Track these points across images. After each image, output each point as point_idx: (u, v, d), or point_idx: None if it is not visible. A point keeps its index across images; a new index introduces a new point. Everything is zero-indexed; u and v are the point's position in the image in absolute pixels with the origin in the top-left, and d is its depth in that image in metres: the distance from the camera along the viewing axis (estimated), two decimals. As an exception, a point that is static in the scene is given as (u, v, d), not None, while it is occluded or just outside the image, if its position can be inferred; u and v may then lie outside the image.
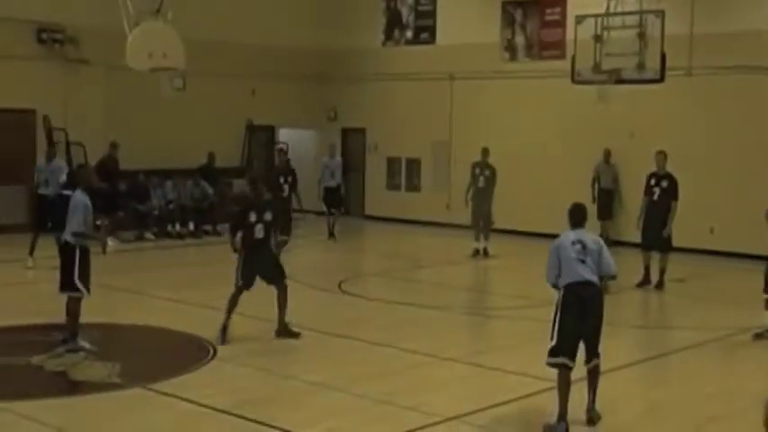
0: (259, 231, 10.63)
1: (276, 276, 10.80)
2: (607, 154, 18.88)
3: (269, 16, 22.34)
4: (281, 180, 16.77)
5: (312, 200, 19.54)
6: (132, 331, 11.22)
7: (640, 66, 16.58)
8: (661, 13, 16.80)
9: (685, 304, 14.02)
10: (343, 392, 8.82)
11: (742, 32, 17.28)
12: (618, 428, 8.05)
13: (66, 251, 9.94)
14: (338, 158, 20.39)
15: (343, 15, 23.74)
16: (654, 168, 14.49)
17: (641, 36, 16.65)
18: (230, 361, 9.80)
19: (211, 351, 10.10)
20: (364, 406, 8.48)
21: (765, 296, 11.05)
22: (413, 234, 21.17)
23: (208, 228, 20.06)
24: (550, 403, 8.42)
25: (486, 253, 17.48)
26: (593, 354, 7.86)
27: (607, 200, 18.73)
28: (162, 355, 10.40)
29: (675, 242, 14.45)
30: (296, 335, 10.82)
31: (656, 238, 14.18)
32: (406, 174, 23.03)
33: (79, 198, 9.96)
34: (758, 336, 11.13)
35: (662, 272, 14.36)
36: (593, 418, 7.90)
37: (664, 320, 13.58)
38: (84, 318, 10.15)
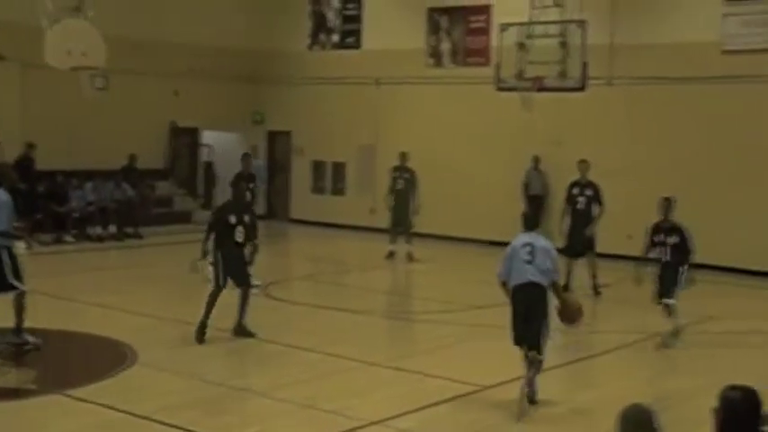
0: (239, 234, 10.72)
1: (245, 278, 10.96)
2: (536, 161, 19.06)
3: (194, 15, 22.08)
4: (246, 185, 16.58)
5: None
6: (51, 336, 10.97)
7: (562, 74, 16.92)
8: (583, 24, 17.17)
9: (609, 308, 14.30)
10: (267, 397, 8.77)
11: (660, 44, 17.71)
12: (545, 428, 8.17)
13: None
14: (259, 161, 20.13)
15: (269, 17, 23.61)
16: (577, 177, 14.73)
17: (563, 45, 16.99)
18: (152, 366, 9.65)
19: (132, 356, 9.93)
20: (288, 411, 8.44)
21: (662, 301, 11.12)
22: (338, 238, 21.16)
23: (129, 230, 19.73)
24: (473, 406, 8.52)
25: (411, 257, 17.56)
26: (534, 348, 8.49)
27: (537, 206, 18.82)
28: (81, 361, 10.20)
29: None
30: (252, 335, 10.89)
31: (581, 245, 14.41)
32: (331, 177, 23.01)
33: (3, 197, 9.73)
34: (662, 343, 11.22)
35: (594, 276, 14.50)
36: (530, 395, 8.57)
37: (590, 324, 13.81)
38: (2, 322, 9.90)
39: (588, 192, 14.44)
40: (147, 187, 20.93)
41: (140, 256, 18.51)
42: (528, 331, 8.47)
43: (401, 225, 17.70)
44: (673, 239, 11.11)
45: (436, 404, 8.70)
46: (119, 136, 20.46)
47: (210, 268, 10.76)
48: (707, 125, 17.39)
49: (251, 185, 16.48)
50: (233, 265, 10.83)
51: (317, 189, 23.01)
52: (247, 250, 10.98)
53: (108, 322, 11.54)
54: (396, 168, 17.93)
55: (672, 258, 11.10)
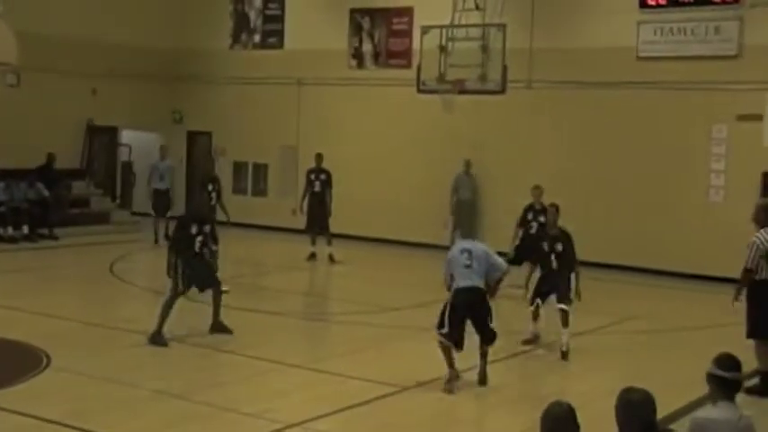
0: (198, 244, 10.86)
1: (213, 282, 11.15)
2: (467, 165, 18.96)
3: (113, 13, 21.67)
4: (210, 188, 16.71)
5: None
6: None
7: (483, 77, 17.10)
8: (503, 27, 17.38)
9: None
10: (186, 400, 8.65)
11: (578, 49, 18.04)
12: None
13: None
14: (168, 161, 19.78)
15: (190, 16, 23.34)
16: (531, 201, 14.46)
17: (484, 48, 17.17)
18: (67, 370, 9.43)
19: (45, 360, 9.69)
20: (208, 414, 8.34)
21: (559, 306, 10.84)
22: (258, 239, 20.99)
23: (43, 231, 19.25)
24: (393, 407, 8.54)
25: (332, 259, 17.52)
26: (485, 342, 9.44)
27: (466, 211, 18.84)
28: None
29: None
30: (230, 331, 11.11)
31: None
32: (252, 178, 22.83)
33: None
34: (527, 341, 11.23)
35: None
36: (483, 379, 9.42)
37: (504, 324, 13.97)
38: None
39: (541, 218, 13.86)
40: (64, 187, 20.45)
41: (54, 257, 18.07)
42: (476, 327, 9.34)
43: (318, 227, 17.66)
44: (559, 247, 11.00)
45: (356, 405, 8.69)
46: (33, 135, 19.96)
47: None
48: (622, 129, 17.78)
49: (211, 189, 16.63)
50: (200, 272, 10.93)
51: (238, 190, 22.79)
52: (206, 255, 11.07)
53: (20, 325, 11.23)
54: (312, 170, 17.89)
55: (559, 266, 11.02)
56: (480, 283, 9.32)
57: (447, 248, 18.29)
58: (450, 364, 9.33)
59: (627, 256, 17.24)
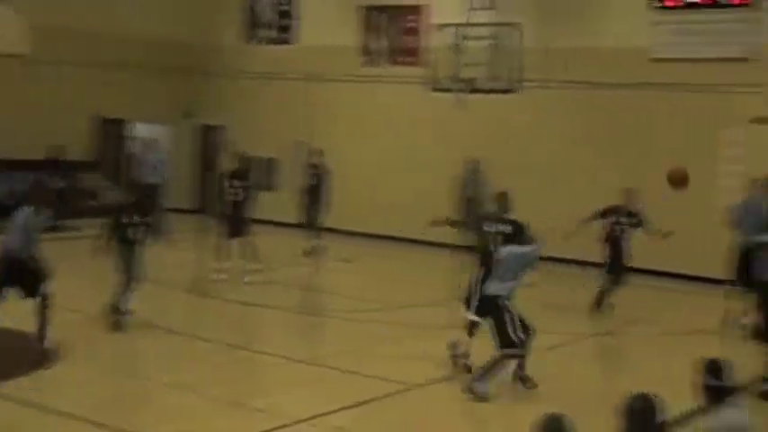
0: (131, 233, 10.97)
1: (136, 271, 11.16)
2: (476, 163, 18.91)
3: (124, 4, 21.69)
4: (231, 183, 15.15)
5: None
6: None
7: (495, 76, 17.02)
8: (517, 26, 17.33)
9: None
10: (195, 393, 8.66)
11: (591, 49, 17.92)
12: (463, 429, 8.21)
13: None
14: (159, 153, 19.53)
15: (203, 10, 23.33)
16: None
17: (497, 47, 17.10)
18: (76, 361, 9.45)
19: (56, 352, 9.71)
20: (215, 407, 8.35)
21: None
22: (267, 234, 20.92)
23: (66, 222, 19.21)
24: (403, 404, 8.55)
25: (318, 251, 17.49)
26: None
27: (472, 208, 18.83)
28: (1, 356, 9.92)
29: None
30: (123, 313, 10.90)
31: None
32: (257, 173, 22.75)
33: None
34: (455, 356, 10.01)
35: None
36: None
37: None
38: None
39: (633, 219, 13.36)
40: (75, 179, 20.44)
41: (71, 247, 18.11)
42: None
43: (316, 221, 17.65)
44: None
45: (367, 402, 8.70)
46: (42, 126, 19.97)
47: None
48: (635, 130, 17.70)
49: (237, 184, 15.00)
50: (128, 258, 11.05)
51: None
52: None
53: (30, 317, 11.25)
54: (311, 165, 17.89)
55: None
56: (498, 291, 9.06)
57: (456, 247, 18.45)
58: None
59: (646, 260, 17.02)
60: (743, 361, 10.04)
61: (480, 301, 9.33)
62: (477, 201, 18.74)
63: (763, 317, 9.66)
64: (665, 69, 17.15)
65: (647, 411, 4.97)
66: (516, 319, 9.01)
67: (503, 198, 10.14)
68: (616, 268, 13.15)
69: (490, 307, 9.11)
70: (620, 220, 13.26)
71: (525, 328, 9.12)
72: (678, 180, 11.53)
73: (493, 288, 9.13)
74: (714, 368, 5.65)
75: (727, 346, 11.57)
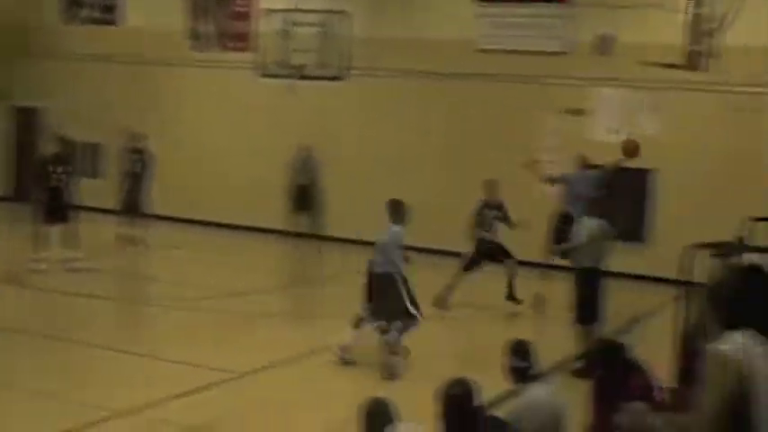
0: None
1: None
2: (308, 150, 18.88)
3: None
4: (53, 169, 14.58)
5: None
6: None
7: (324, 63, 17.12)
8: (345, 15, 17.46)
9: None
10: (11, 387, 8.33)
11: (419, 39, 18.30)
12: (289, 417, 8.26)
13: None
14: None
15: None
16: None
17: (326, 35, 17.18)
18: None
19: None
20: (37, 401, 8.05)
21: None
22: (90, 222, 20.25)
23: None
24: (230, 393, 8.50)
25: (141, 242, 17.09)
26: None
27: (304, 195, 18.77)
28: None
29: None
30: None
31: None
32: (87, 159, 21.96)
33: None
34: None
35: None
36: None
37: (343, 310, 14.12)
38: None
39: (499, 213, 13.47)
40: None
41: None
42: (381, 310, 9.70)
43: (140, 208, 17.25)
44: None
45: (194, 392, 8.59)
46: None
47: None
48: (462, 119, 18.19)
49: (59, 169, 14.45)
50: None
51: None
52: None
53: None
54: (132, 150, 17.43)
55: None
56: (388, 269, 9.63)
57: (287, 233, 18.42)
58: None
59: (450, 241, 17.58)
60: (558, 341, 10.63)
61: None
62: (309, 188, 18.79)
63: (577, 299, 10.18)
64: (490, 60, 17.71)
65: (464, 396, 5.15)
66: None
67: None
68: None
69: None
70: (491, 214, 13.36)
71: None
72: (631, 150, 12.43)
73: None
74: (519, 350, 5.94)
75: (540, 327, 12.13)
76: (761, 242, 10.18)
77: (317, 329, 11.95)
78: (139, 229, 17.07)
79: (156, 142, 17.83)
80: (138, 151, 17.34)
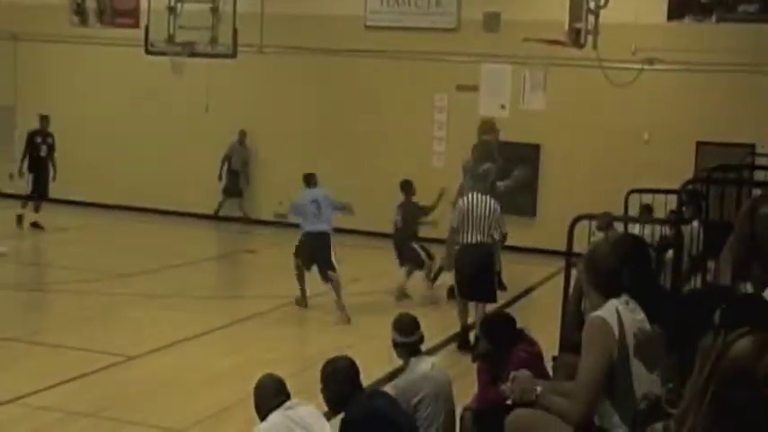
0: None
1: None
2: (242, 135, 18.70)
3: None
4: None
5: None
6: None
7: (213, 40, 16.81)
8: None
9: (254, 274, 14.52)
10: None
11: (309, 15, 18.19)
12: (177, 400, 8.13)
13: None
14: None
15: None
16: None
17: (214, 11, 16.86)
18: None
19: None
20: None
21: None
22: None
23: None
24: (116, 378, 8.33)
25: (38, 225, 16.70)
26: (325, 275, 11.11)
27: (236, 179, 18.71)
28: None
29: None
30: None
31: None
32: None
33: None
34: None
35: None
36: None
37: (233, 290, 13.99)
38: None
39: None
40: None
41: None
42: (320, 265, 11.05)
43: (42, 191, 16.82)
44: None
45: (77, 378, 8.37)
46: None
47: None
48: (351, 96, 18.18)
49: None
50: None
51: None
52: None
53: None
54: (36, 132, 16.97)
55: None
56: (328, 228, 11.17)
57: (178, 214, 18.16)
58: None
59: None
60: (442, 317, 10.78)
61: None
62: (238, 173, 18.61)
63: (455, 278, 10.24)
64: (378, 37, 17.73)
65: (343, 370, 5.19)
66: None
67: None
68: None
69: None
70: None
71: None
72: (487, 129, 12.81)
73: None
74: (401, 325, 5.99)
75: (426, 304, 12.11)
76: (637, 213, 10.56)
77: (211, 307, 11.80)
78: (38, 213, 16.66)
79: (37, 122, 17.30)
80: (43, 134, 16.87)
